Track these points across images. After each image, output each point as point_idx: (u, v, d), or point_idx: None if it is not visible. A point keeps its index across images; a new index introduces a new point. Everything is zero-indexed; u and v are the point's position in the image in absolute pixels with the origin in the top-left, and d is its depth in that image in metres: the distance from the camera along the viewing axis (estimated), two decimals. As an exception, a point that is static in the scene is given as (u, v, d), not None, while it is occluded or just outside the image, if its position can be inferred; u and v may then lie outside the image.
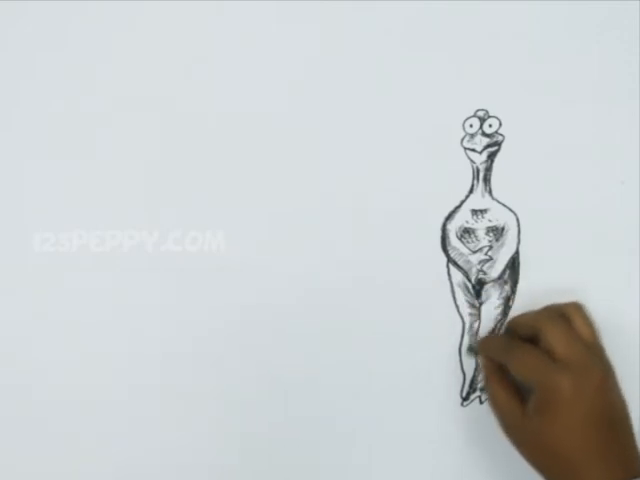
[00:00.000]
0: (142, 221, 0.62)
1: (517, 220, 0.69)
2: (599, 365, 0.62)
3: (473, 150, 0.67)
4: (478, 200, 0.69)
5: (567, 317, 0.65)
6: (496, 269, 0.71)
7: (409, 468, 0.73)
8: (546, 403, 0.61)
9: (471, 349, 0.70)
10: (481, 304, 0.71)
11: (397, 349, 0.70)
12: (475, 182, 0.68)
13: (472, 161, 0.68)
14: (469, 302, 0.71)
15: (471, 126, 0.67)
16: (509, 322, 0.70)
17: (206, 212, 0.63)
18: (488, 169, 0.68)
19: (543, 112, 0.67)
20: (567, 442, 0.60)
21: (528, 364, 0.62)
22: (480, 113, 0.66)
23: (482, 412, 0.72)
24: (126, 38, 0.59)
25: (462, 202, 0.68)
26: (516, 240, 0.70)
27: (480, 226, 0.69)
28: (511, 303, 0.72)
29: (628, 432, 0.63)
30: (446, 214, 0.68)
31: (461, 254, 0.69)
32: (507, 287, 0.71)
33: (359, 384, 0.70)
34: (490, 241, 0.70)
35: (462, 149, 0.67)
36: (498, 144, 0.68)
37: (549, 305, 0.67)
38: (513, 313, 0.71)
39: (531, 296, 0.70)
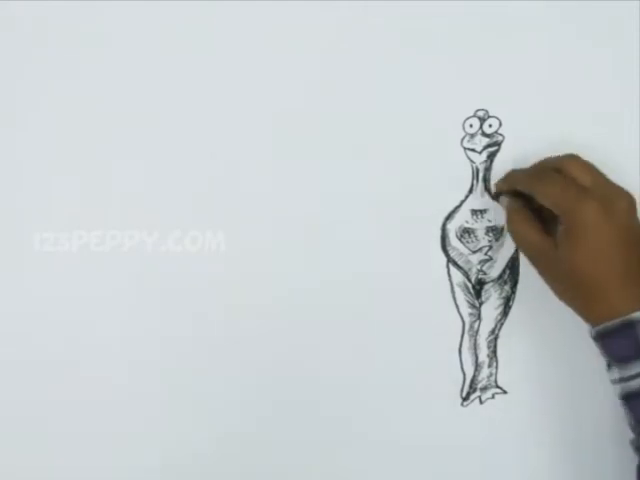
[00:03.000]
0: (142, 221, 0.62)
1: (517, 220, 0.69)
2: (624, 193, 0.63)
3: (473, 150, 0.67)
4: (478, 200, 0.69)
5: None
6: (496, 269, 0.71)
7: (409, 468, 0.73)
8: (573, 229, 0.61)
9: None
10: (481, 304, 0.71)
11: (397, 349, 0.70)
12: (475, 182, 0.68)
13: (472, 161, 0.68)
14: (469, 302, 0.71)
15: (471, 126, 0.67)
16: (532, 165, 0.68)
17: (206, 212, 0.63)
18: (488, 169, 0.68)
19: (543, 112, 0.67)
20: (593, 267, 0.61)
21: (555, 191, 0.63)
22: (480, 113, 0.66)
23: (482, 412, 0.73)
24: (127, 39, 0.59)
25: (462, 202, 0.68)
26: (516, 240, 0.70)
27: (480, 226, 0.69)
28: (511, 303, 0.72)
29: None
30: (446, 214, 0.68)
31: (461, 254, 0.69)
32: (507, 287, 0.71)
33: (359, 384, 0.70)
34: (490, 241, 0.70)
35: (462, 149, 0.67)
36: (498, 144, 0.68)
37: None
38: (513, 313, 0.72)
39: (531, 296, 0.70)
